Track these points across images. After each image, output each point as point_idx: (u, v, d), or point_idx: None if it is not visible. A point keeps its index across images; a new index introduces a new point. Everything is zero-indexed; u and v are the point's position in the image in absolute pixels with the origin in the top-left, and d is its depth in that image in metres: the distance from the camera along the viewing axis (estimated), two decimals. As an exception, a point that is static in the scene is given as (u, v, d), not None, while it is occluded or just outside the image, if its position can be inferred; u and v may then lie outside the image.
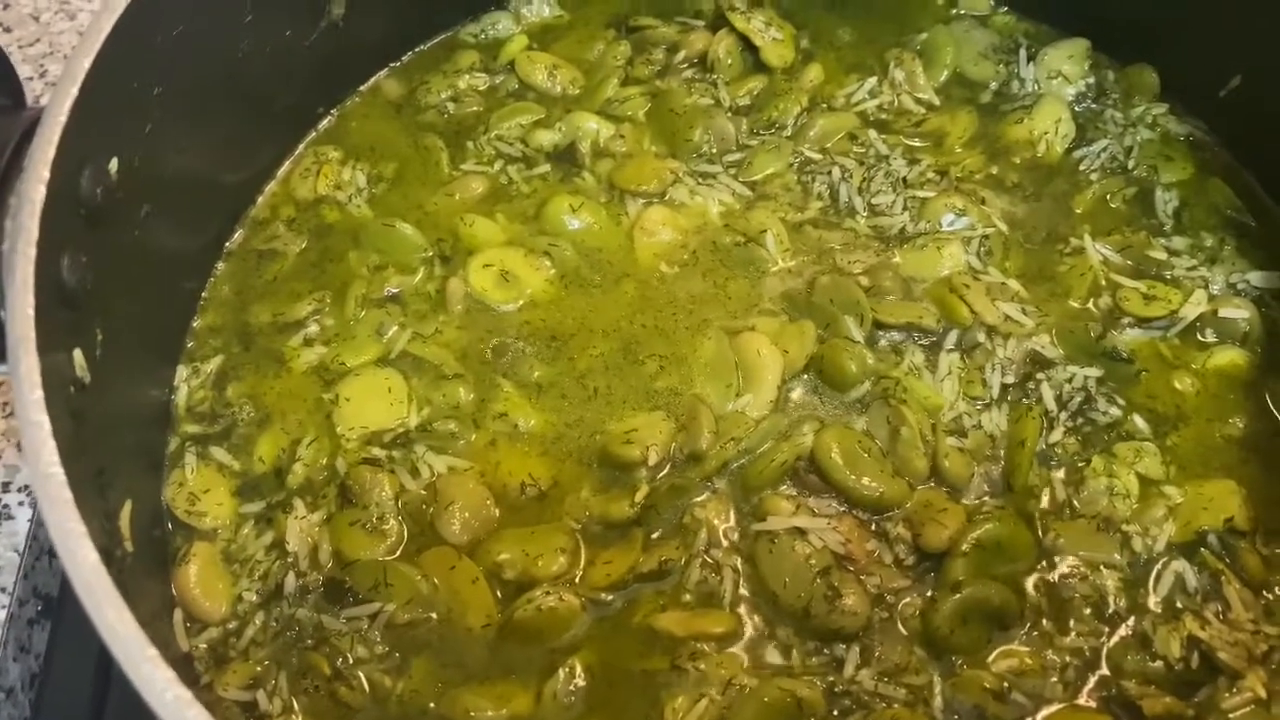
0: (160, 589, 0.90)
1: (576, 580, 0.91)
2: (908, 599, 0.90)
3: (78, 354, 0.78)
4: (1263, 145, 1.13)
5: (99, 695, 1.06)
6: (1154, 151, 1.17)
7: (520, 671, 0.87)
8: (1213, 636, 0.88)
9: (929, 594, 0.90)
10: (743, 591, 0.91)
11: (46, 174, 0.73)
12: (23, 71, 1.33)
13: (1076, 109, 1.20)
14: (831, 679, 0.87)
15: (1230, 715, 0.84)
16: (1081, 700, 0.87)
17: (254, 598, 0.92)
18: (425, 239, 1.09)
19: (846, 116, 1.18)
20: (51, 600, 1.11)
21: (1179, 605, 0.91)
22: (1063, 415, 0.99)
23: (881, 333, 1.03)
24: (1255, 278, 1.08)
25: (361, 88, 1.21)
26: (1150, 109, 1.20)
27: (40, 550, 1.11)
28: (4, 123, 0.81)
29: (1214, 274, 1.08)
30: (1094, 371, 1.01)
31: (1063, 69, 1.22)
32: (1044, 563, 0.93)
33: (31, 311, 0.68)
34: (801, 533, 0.91)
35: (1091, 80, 1.22)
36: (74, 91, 0.77)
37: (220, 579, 0.92)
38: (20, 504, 1.11)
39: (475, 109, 1.20)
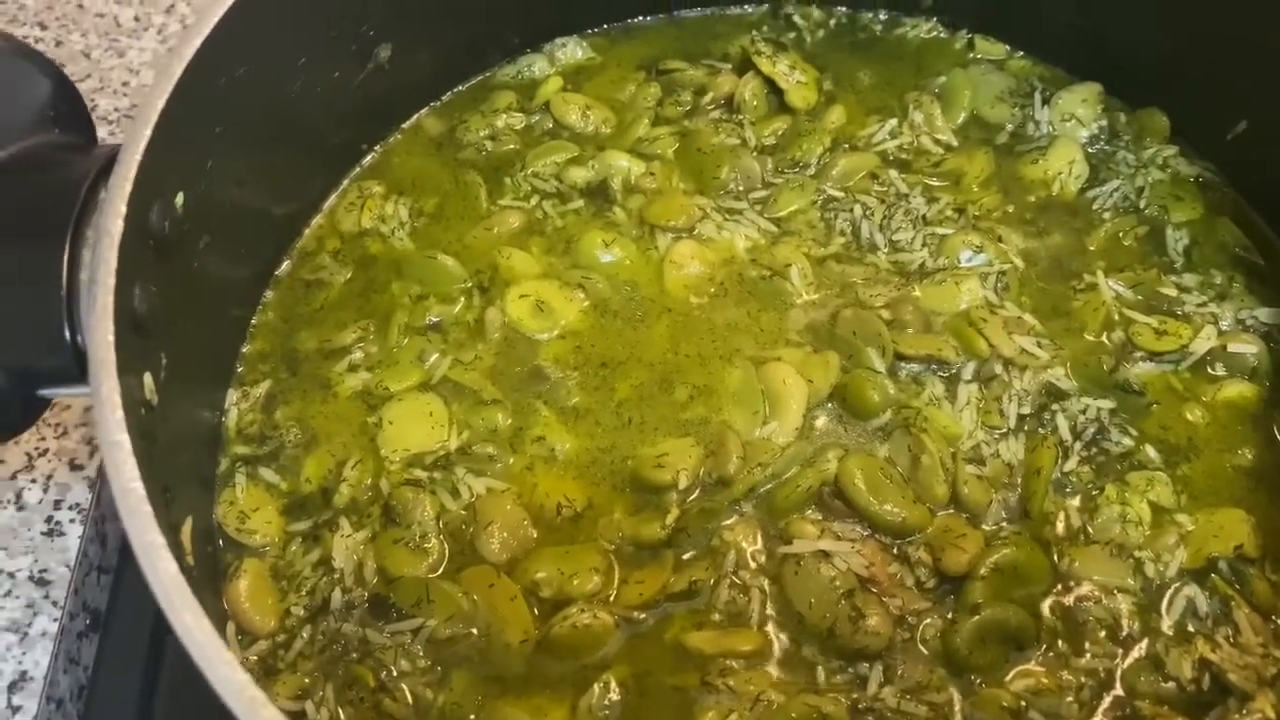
0: (214, 602, 0.94)
1: (610, 599, 0.95)
2: (929, 620, 0.94)
3: (148, 378, 0.82)
4: (1269, 186, 1.18)
5: (145, 707, 1.10)
6: (1165, 191, 1.21)
7: (556, 686, 0.91)
8: (1223, 659, 0.91)
9: (949, 615, 0.94)
10: (769, 611, 0.95)
11: (124, 209, 0.78)
12: (77, 107, 1.39)
13: (1090, 150, 1.25)
14: (855, 696, 0.90)
15: (1240, 735, 0.88)
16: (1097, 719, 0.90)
17: (301, 612, 0.96)
18: (465, 270, 1.14)
19: (868, 156, 1.23)
20: (99, 614, 1.16)
21: (1190, 629, 0.94)
22: (1077, 445, 1.03)
23: (902, 364, 1.07)
24: (1263, 314, 1.11)
25: (404, 125, 1.27)
26: (1161, 150, 1.24)
27: (90, 566, 1.15)
28: (80, 160, 0.86)
29: (1223, 310, 1.12)
30: (1107, 403, 1.05)
31: (1076, 112, 1.26)
32: (1059, 586, 0.96)
33: (111, 338, 0.72)
34: (826, 556, 0.95)
35: (1104, 123, 1.27)
36: (148, 132, 0.82)
37: (269, 594, 0.96)
38: (71, 521, 1.15)
39: (512, 146, 1.25)
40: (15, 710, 1.04)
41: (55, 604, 1.11)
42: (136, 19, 1.57)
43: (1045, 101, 1.28)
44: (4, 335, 0.79)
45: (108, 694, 1.11)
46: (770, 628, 0.94)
